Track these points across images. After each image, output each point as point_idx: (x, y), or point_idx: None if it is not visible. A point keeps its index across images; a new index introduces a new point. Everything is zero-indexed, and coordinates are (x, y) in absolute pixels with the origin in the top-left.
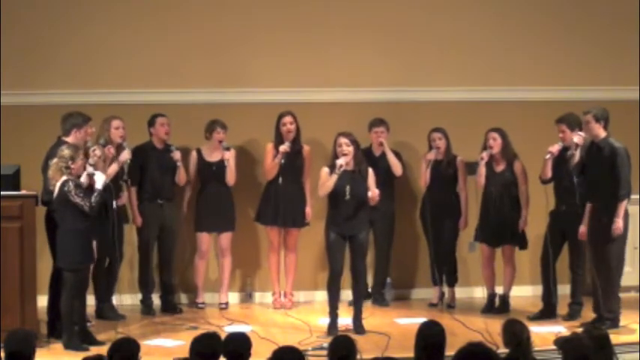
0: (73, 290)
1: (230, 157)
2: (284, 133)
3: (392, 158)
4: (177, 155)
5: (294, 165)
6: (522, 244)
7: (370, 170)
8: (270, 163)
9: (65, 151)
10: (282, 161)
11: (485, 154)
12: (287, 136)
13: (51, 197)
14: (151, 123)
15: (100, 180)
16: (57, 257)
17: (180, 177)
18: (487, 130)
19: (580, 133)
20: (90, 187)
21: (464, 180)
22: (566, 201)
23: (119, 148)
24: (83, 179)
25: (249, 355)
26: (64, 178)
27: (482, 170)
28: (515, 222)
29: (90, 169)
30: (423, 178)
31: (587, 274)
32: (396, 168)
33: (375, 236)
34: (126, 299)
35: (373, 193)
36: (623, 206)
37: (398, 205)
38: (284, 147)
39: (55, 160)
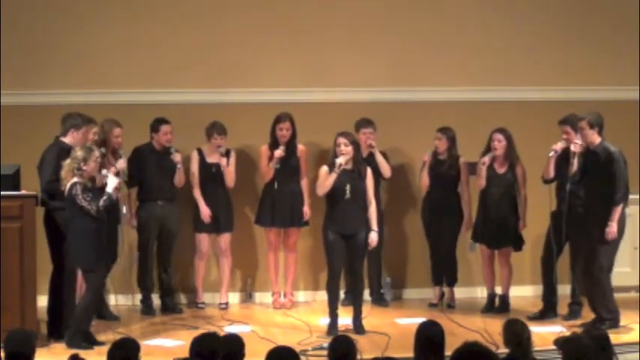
0: (96, 292)
1: (231, 160)
2: (279, 137)
3: (381, 160)
4: (177, 157)
5: (290, 165)
6: (518, 245)
7: (369, 170)
8: (266, 166)
9: (78, 152)
10: (277, 166)
11: (487, 159)
12: (281, 140)
13: (43, 197)
14: (155, 129)
15: (111, 183)
16: (72, 258)
17: (180, 179)
18: (492, 131)
19: (577, 141)
20: (101, 188)
21: (466, 181)
22: (568, 202)
23: (115, 154)
24: (97, 178)
25: (242, 355)
26: (73, 180)
27: (482, 173)
28: (514, 224)
29: (104, 170)
30: (422, 180)
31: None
32: (385, 170)
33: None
34: (125, 299)
35: (372, 240)
36: (618, 210)
37: (398, 205)
38: (279, 152)
39: (67, 160)
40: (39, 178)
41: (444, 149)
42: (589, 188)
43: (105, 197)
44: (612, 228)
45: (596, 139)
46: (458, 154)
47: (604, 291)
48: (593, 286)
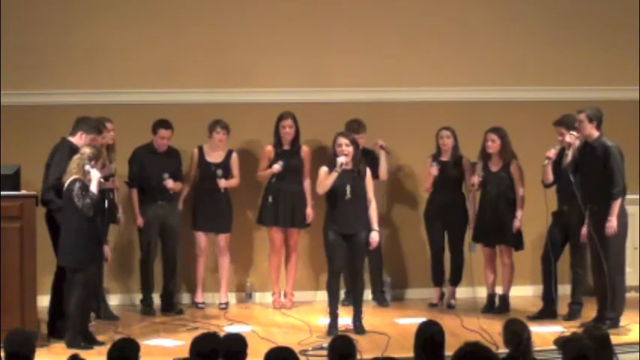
0: (84, 290)
1: (232, 160)
2: (282, 136)
3: (384, 163)
4: (169, 184)
5: (293, 166)
6: (518, 244)
7: (368, 171)
8: (264, 168)
9: (87, 150)
10: (280, 168)
11: (476, 180)
12: (285, 138)
13: (50, 196)
14: (154, 130)
15: (94, 178)
16: (61, 255)
17: (175, 189)
18: (486, 130)
19: (573, 132)
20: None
21: (470, 180)
22: (568, 201)
23: (109, 151)
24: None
25: (245, 355)
26: (73, 177)
27: (476, 171)
28: (511, 222)
29: (87, 166)
30: (426, 185)
31: (588, 274)
32: (383, 174)
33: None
34: (125, 299)
35: (373, 239)
36: (617, 205)
37: (397, 205)
38: (277, 167)
39: (77, 155)
40: (45, 176)
41: (450, 148)
42: (588, 185)
43: (90, 193)
44: (612, 222)
45: (595, 133)
46: (461, 154)
47: (614, 289)
48: (605, 283)
